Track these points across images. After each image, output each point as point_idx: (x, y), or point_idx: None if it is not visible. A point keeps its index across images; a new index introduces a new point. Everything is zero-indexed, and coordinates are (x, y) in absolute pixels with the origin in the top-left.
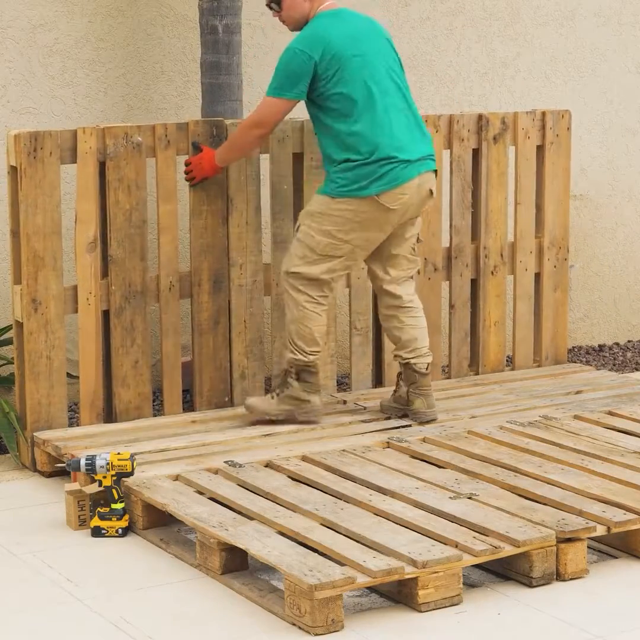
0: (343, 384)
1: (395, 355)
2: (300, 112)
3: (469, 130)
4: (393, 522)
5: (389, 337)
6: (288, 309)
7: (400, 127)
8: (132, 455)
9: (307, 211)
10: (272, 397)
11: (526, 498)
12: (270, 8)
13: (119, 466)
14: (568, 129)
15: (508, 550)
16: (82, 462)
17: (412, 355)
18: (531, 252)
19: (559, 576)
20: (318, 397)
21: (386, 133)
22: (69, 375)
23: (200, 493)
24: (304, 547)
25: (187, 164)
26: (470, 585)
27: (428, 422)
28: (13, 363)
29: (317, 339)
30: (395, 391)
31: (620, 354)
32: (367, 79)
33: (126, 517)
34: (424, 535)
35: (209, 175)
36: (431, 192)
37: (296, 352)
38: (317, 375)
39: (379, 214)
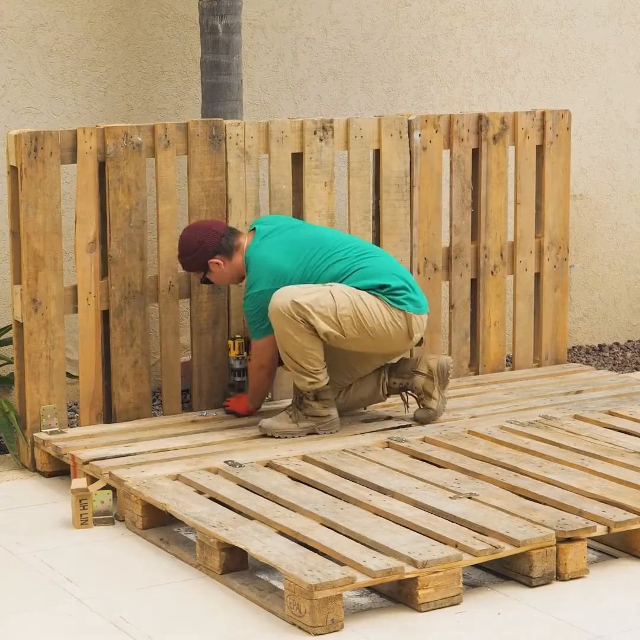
0: None
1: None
2: (300, 112)
3: (468, 130)
4: (393, 522)
5: None
6: (289, 340)
7: None
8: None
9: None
10: (290, 416)
11: (526, 498)
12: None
13: None
14: (568, 128)
15: (508, 550)
16: None
17: None
18: (531, 252)
19: (559, 576)
20: (335, 409)
21: None
22: (69, 375)
23: (200, 493)
24: (304, 547)
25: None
26: (470, 585)
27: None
28: (13, 363)
29: (320, 357)
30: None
31: (620, 354)
32: None
33: None
34: (424, 535)
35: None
36: None
37: (306, 377)
38: (331, 391)
39: None
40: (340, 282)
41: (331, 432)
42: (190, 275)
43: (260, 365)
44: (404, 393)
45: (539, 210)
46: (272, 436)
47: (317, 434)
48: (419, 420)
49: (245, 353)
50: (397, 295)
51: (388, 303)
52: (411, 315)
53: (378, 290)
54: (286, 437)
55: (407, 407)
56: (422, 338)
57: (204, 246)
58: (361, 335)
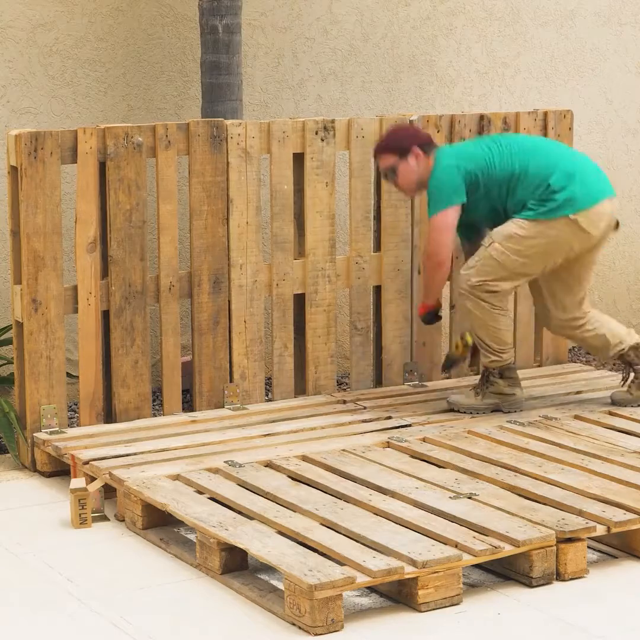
0: (343, 384)
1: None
2: (300, 112)
3: (470, 131)
4: (393, 522)
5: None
6: (473, 316)
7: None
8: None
9: (505, 233)
10: (476, 393)
11: (526, 498)
12: (386, 177)
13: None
14: (570, 129)
15: (508, 550)
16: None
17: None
18: None
19: (559, 576)
20: (520, 389)
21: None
22: (69, 375)
23: (200, 493)
24: (304, 547)
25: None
26: (470, 585)
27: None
28: (13, 363)
29: (505, 338)
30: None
31: None
32: None
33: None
34: (424, 535)
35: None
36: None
37: (490, 354)
38: (516, 370)
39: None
40: (514, 183)
41: (515, 411)
42: (191, 275)
43: (429, 252)
44: (629, 368)
45: None
46: (458, 411)
47: (502, 411)
48: (614, 402)
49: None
50: (554, 201)
51: (547, 219)
52: (573, 219)
53: (539, 199)
54: (471, 413)
55: (624, 383)
56: (617, 222)
57: (417, 134)
58: (545, 261)
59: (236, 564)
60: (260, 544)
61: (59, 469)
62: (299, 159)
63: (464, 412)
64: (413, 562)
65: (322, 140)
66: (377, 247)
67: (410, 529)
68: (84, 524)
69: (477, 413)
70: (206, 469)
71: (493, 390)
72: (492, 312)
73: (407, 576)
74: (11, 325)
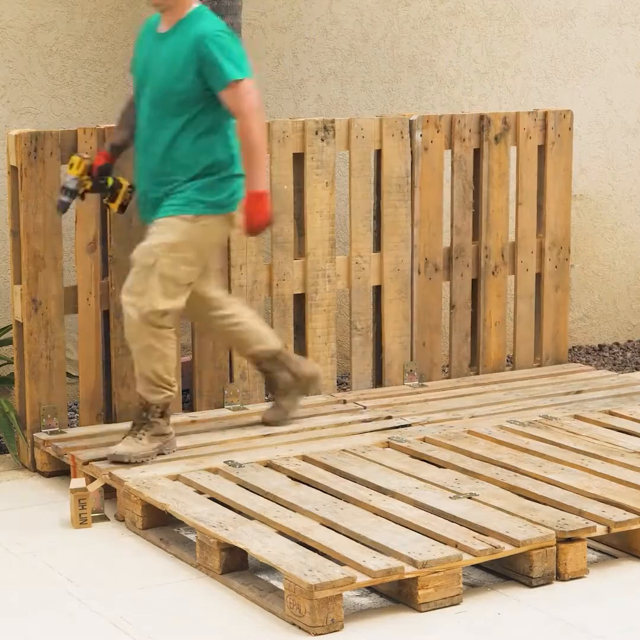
0: (343, 384)
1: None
2: (300, 112)
3: (470, 130)
4: (393, 522)
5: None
6: (146, 351)
7: None
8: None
9: (168, 243)
10: (140, 439)
11: (526, 498)
12: None
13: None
14: (570, 128)
15: (508, 550)
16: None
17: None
18: (532, 252)
19: (559, 576)
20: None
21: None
22: (69, 375)
23: (200, 493)
24: (304, 547)
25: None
26: (470, 585)
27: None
28: (13, 363)
29: (174, 368)
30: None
31: (620, 354)
32: None
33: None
34: (423, 535)
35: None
36: None
37: (163, 391)
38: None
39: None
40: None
41: (173, 451)
42: None
43: (246, 113)
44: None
45: (541, 211)
46: (128, 462)
47: (163, 452)
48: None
49: (86, 177)
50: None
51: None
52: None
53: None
54: (142, 462)
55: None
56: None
57: None
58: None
59: (236, 564)
60: (260, 544)
61: (59, 469)
62: (299, 159)
63: (134, 462)
64: (413, 562)
65: (322, 140)
66: (377, 247)
67: (410, 529)
68: (84, 524)
69: (151, 458)
70: (206, 469)
71: (155, 432)
72: (168, 342)
73: (407, 576)
74: (11, 325)
